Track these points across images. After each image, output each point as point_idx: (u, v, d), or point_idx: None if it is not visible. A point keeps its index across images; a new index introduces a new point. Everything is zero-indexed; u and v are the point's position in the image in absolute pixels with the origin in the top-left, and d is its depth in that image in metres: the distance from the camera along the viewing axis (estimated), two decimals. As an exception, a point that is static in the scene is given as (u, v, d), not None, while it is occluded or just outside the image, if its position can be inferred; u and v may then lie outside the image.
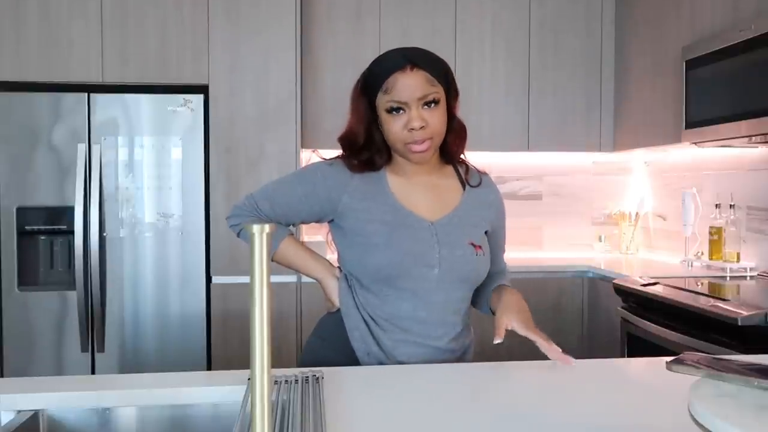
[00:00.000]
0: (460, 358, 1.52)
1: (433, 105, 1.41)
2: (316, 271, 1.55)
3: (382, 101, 1.41)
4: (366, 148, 1.46)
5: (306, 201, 1.49)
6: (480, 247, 1.48)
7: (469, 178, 1.55)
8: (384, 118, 1.42)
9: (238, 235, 1.58)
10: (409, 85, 1.39)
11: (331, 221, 1.52)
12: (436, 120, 1.41)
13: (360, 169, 1.48)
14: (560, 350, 1.36)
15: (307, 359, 1.54)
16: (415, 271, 1.43)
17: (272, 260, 1.54)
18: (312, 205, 1.49)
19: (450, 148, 1.51)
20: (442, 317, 1.46)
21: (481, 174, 1.58)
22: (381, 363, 1.45)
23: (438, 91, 1.42)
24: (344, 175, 1.48)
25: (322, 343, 1.54)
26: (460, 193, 1.53)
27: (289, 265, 1.57)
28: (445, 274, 1.44)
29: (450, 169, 1.56)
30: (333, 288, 1.51)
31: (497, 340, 1.38)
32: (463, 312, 1.52)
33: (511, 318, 1.42)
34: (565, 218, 3.99)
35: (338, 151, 1.53)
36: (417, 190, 1.49)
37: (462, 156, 1.56)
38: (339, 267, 1.55)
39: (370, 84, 1.43)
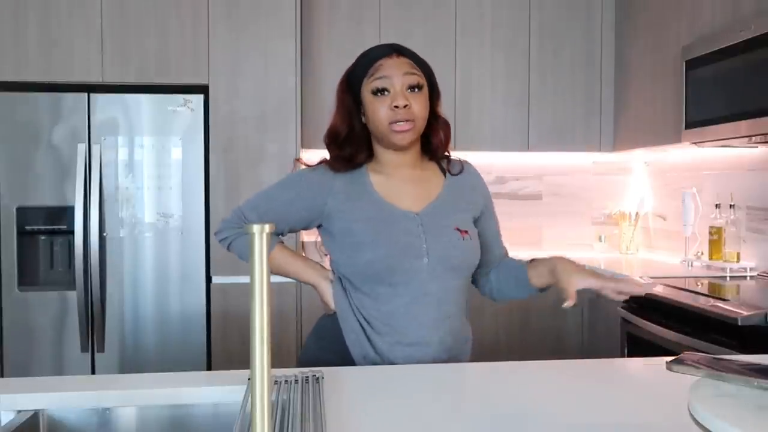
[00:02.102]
0: (458, 354, 1.51)
1: (416, 90, 1.46)
2: (309, 276, 1.56)
3: (368, 85, 1.46)
4: (347, 143, 1.50)
5: (292, 207, 1.52)
6: (466, 232, 1.50)
7: (450, 167, 1.59)
8: (369, 101, 1.46)
9: (228, 248, 1.60)
10: (394, 66, 1.45)
11: (319, 226, 1.54)
12: (418, 103, 1.46)
13: (344, 167, 1.50)
14: (633, 281, 1.39)
15: (304, 359, 1.56)
16: (406, 263, 1.44)
17: None
18: (298, 210, 1.52)
19: (434, 144, 1.55)
20: (437, 309, 1.46)
21: (462, 162, 1.62)
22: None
23: (421, 78, 1.47)
24: (327, 178, 1.51)
25: (320, 343, 1.56)
26: (442, 181, 1.56)
27: (282, 272, 1.58)
28: (435, 264, 1.46)
29: (432, 163, 1.59)
30: (328, 291, 1.53)
31: (569, 304, 1.39)
32: (461, 305, 1.52)
33: (581, 278, 1.46)
34: (565, 218, 3.99)
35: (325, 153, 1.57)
36: (399, 184, 1.51)
37: (447, 152, 1.59)
38: (332, 270, 1.56)
39: (356, 75, 1.48)
